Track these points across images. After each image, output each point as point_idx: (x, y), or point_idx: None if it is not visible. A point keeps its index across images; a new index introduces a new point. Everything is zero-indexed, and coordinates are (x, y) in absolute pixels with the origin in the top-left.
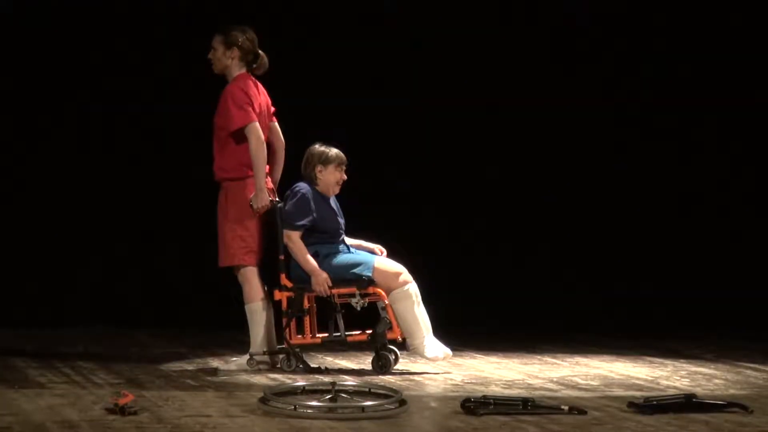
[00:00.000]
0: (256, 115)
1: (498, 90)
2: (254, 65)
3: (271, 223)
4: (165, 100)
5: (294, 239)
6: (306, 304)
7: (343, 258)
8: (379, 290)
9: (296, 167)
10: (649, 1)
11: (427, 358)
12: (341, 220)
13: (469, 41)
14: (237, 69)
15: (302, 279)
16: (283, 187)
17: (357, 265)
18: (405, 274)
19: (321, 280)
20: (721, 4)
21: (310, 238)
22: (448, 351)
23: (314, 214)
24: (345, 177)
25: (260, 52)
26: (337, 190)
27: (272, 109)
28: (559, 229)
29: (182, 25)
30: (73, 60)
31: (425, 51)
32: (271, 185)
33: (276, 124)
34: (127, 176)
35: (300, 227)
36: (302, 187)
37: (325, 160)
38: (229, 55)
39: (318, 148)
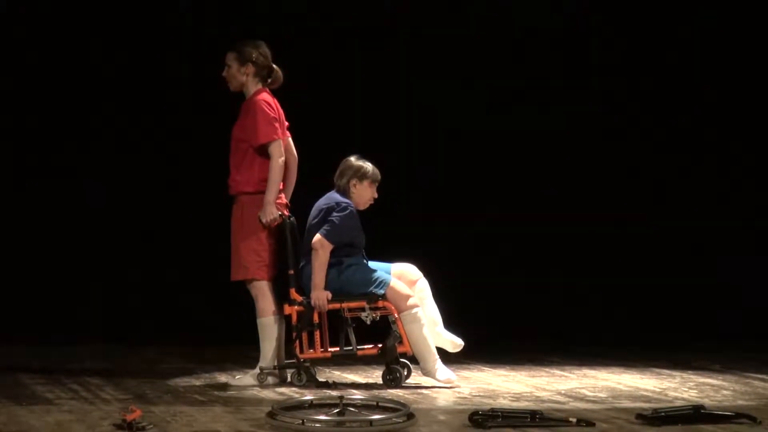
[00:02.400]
0: (281, 132)
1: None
2: (269, 79)
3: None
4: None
5: (326, 249)
6: (316, 319)
7: (361, 273)
8: (389, 304)
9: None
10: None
11: (441, 381)
12: None
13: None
14: (254, 85)
15: None
16: (295, 200)
17: (372, 282)
18: (414, 298)
19: (321, 296)
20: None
21: (337, 250)
22: (459, 342)
23: (355, 235)
24: (376, 195)
25: (274, 66)
26: (367, 206)
27: (286, 123)
28: (566, 241)
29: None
30: (76, 73)
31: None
32: (284, 201)
33: (290, 139)
34: (133, 192)
35: (337, 243)
36: (350, 204)
37: (362, 176)
38: (244, 71)
39: (355, 161)
